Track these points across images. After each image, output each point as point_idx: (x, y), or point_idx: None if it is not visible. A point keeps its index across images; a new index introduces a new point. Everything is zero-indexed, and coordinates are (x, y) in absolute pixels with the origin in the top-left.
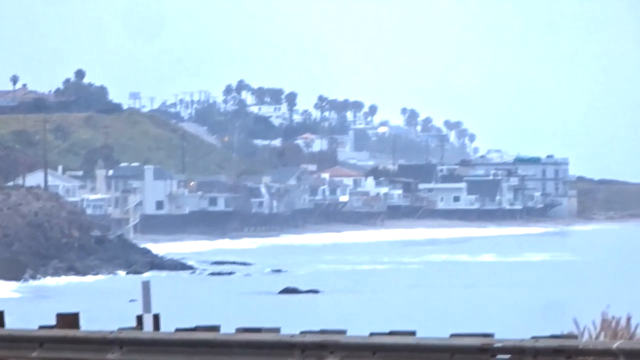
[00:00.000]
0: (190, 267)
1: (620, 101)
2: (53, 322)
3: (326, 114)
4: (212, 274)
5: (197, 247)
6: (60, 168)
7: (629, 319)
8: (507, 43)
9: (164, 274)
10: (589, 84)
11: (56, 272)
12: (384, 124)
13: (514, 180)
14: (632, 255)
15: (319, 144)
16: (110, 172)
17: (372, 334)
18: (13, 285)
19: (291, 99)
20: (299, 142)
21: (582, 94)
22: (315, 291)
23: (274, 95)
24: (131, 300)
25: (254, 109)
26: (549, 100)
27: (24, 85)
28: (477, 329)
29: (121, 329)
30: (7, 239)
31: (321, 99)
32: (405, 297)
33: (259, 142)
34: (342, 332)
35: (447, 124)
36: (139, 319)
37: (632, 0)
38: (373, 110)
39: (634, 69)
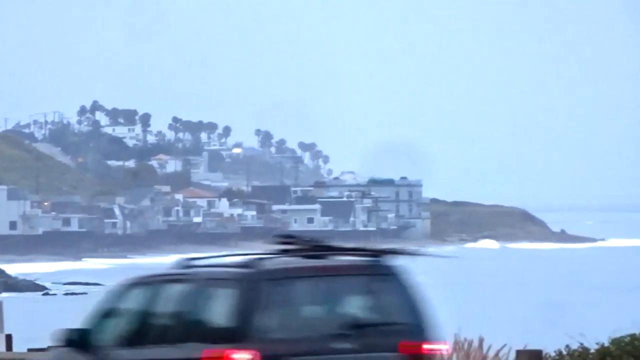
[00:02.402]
0: (44, 288)
1: (471, 124)
2: None
3: (180, 135)
4: (66, 294)
5: (51, 267)
6: None
7: (481, 341)
8: (359, 63)
9: (17, 294)
10: (442, 106)
11: None
12: (238, 145)
13: (367, 202)
14: (482, 276)
15: (173, 165)
16: None
17: None
18: None
19: (145, 119)
20: (153, 163)
21: (435, 116)
22: None
23: (127, 116)
24: None
25: (108, 130)
26: (403, 121)
27: None
28: None
29: None
30: None
31: (175, 119)
32: None
33: (113, 162)
34: None
35: (302, 145)
36: None
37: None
38: (227, 131)
39: (484, 94)
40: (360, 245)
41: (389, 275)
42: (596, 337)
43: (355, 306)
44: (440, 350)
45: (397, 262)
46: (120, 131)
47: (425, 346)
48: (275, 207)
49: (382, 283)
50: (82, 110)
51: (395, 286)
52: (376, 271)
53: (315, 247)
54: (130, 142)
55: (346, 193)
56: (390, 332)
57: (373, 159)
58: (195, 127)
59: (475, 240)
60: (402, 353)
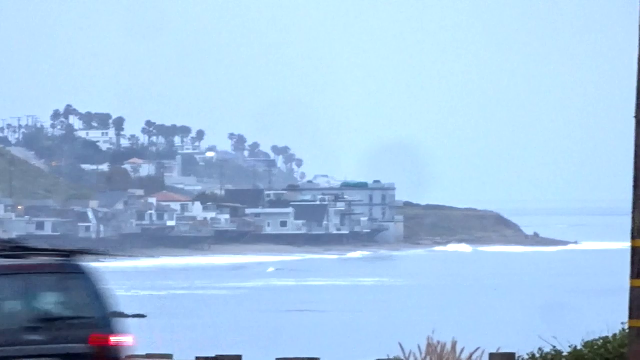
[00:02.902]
0: None
1: (445, 128)
2: None
3: (154, 138)
4: None
5: None
6: None
7: (454, 344)
8: (329, 67)
9: None
10: (412, 110)
11: None
12: (211, 149)
13: (341, 205)
14: (456, 279)
15: (146, 169)
16: None
17: (197, 358)
18: None
19: (119, 123)
20: (127, 166)
21: (404, 119)
22: (141, 315)
23: (101, 120)
24: None
25: (82, 134)
26: (373, 126)
27: None
28: (305, 353)
29: None
30: None
31: (149, 123)
32: (233, 321)
33: (87, 166)
34: (169, 356)
35: (275, 149)
36: None
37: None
38: (201, 135)
39: (458, 98)
40: (53, 246)
41: (79, 274)
42: (569, 340)
43: (47, 302)
44: (125, 342)
45: (87, 261)
46: (94, 135)
47: (112, 338)
48: (248, 211)
49: (72, 281)
50: (56, 115)
51: (84, 283)
52: (67, 270)
53: (12, 248)
54: (104, 146)
55: (319, 197)
56: (80, 326)
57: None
58: (169, 131)
59: (448, 243)
60: (91, 345)
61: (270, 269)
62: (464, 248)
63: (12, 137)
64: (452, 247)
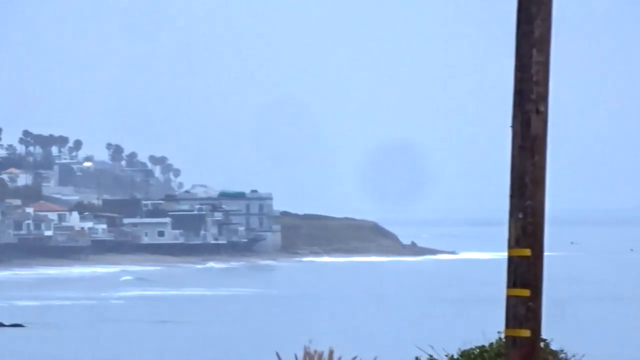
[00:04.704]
0: None
1: (319, 142)
2: None
3: (31, 148)
4: None
5: None
6: None
7: (331, 353)
8: (216, 81)
9: None
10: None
11: None
12: (89, 158)
13: (218, 215)
14: (333, 289)
15: (24, 179)
16: None
17: None
18: None
19: None
20: (4, 176)
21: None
22: (19, 325)
23: None
24: None
25: None
26: (250, 136)
27: None
28: None
29: None
30: None
31: (26, 133)
32: (109, 333)
33: None
34: None
35: (152, 159)
36: None
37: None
38: (78, 145)
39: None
40: None
41: None
42: (445, 348)
43: None
44: None
45: None
46: None
47: None
48: (126, 221)
49: None
50: None
51: None
52: None
53: None
54: None
55: (197, 206)
56: None
57: (225, 172)
58: (46, 141)
59: (325, 253)
60: None
61: (125, 278)
62: (338, 258)
63: None
64: (326, 258)
